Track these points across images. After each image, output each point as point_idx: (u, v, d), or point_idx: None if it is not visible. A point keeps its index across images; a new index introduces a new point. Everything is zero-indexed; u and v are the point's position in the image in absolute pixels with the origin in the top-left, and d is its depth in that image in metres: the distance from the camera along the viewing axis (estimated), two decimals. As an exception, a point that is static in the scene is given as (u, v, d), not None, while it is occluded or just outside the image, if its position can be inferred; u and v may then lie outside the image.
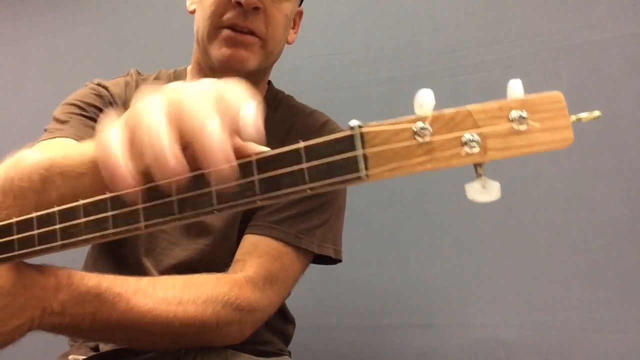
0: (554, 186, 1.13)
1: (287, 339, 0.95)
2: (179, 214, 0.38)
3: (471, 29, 1.24)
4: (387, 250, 1.22)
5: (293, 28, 0.94)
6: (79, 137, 0.77)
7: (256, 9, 0.78)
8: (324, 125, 0.92)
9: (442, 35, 1.26)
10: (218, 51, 0.81)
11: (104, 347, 0.79)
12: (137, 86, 0.90)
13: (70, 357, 0.79)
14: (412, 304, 1.18)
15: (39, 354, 0.84)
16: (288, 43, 0.92)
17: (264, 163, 0.36)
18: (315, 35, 1.35)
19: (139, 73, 0.94)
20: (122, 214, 0.40)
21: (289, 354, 0.94)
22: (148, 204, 0.39)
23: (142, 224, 0.39)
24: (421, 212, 1.21)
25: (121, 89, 0.88)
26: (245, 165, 0.36)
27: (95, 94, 0.86)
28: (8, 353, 0.80)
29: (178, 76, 0.94)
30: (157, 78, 0.94)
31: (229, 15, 0.79)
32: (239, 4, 0.77)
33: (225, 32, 0.80)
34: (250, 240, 0.80)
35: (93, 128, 0.80)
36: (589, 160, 1.12)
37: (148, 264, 0.82)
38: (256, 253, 0.78)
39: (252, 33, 0.80)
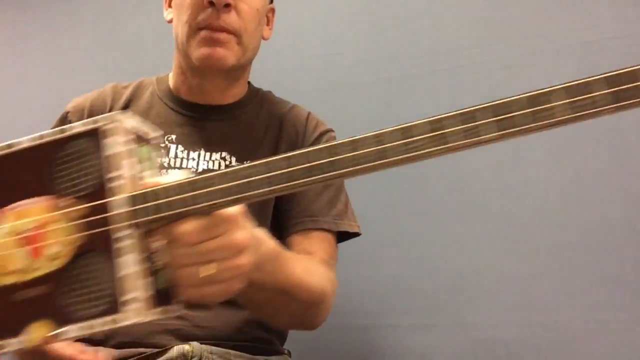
0: (554, 186, 1.13)
1: (283, 338, 0.95)
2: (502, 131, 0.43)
3: (471, 29, 1.24)
4: (387, 250, 1.22)
5: (267, 25, 0.98)
6: None
7: (227, 5, 0.84)
8: (308, 117, 0.97)
9: (442, 35, 1.26)
10: (197, 51, 0.86)
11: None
12: (114, 99, 0.95)
13: None
14: (412, 304, 1.18)
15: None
16: (264, 39, 0.96)
17: (614, 81, 0.43)
18: (315, 35, 1.35)
19: (120, 84, 0.99)
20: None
21: (289, 353, 0.94)
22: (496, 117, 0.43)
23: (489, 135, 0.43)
24: (421, 211, 1.21)
25: (83, 110, 0.93)
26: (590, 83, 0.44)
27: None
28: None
29: (161, 83, 0.98)
30: (139, 86, 0.98)
31: (203, 16, 0.84)
32: (211, 3, 0.83)
33: (203, 33, 0.85)
34: (299, 236, 0.87)
35: None
36: (589, 160, 1.12)
37: None
38: (312, 242, 0.86)
39: (227, 30, 0.85)
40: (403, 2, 1.30)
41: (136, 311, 0.47)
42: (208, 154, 0.89)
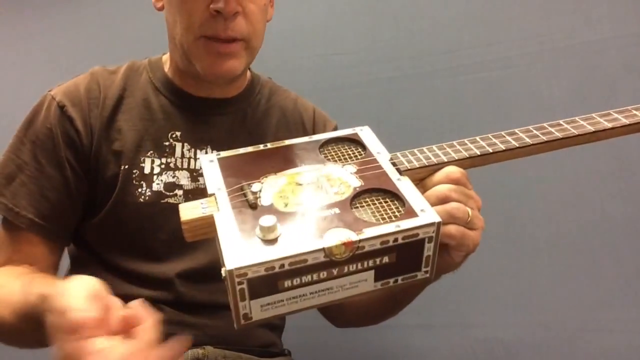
0: (554, 186, 1.13)
1: (281, 335, 0.96)
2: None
3: (471, 29, 1.24)
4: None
5: (270, 1, 0.89)
6: (16, 205, 0.77)
7: (235, 14, 0.76)
8: (315, 114, 0.96)
9: (442, 35, 1.26)
10: (203, 62, 0.79)
11: None
12: (105, 85, 0.84)
13: None
14: (412, 304, 1.18)
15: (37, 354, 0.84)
16: (267, 21, 0.88)
17: None
18: (315, 35, 1.35)
19: (106, 68, 0.88)
20: None
21: (289, 353, 0.94)
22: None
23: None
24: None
25: (81, 102, 0.82)
26: None
27: (49, 130, 0.80)
28: (8, 353, 0.80)
29: (155, 68, 0.88)
30: (130, 71, 0.88)
31: (208, 26, 0.76)
32: (218, 12, 0.74)
33: (209, 45, 0.77)
34: None
35: (41, 175, 0.79)
36: (589, 160, 1.12)
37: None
38: None
39: (235, 39, 0.77)
40: (403, 2, 1.30)
41: (432, 215, 0.54)
42: (215, 152, 0.83)
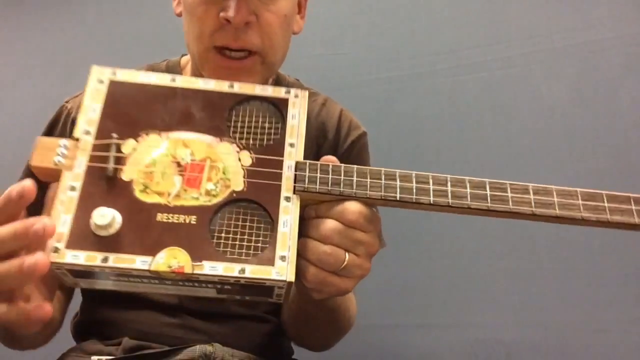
0: (553, 185, 1.13)
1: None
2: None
3: (471, 29, 1.24)
4: (387, 250, 1.22)
5: (299, 13, 0.83)
6: None
7: (248, 23, 0.70)
8: (341, 117, 0.89)
9: (442, 35, 1.26)
10: (214, 77, 0.72)
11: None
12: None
13: (93, 357, 0.72)
14: (412, 304, 1.18)
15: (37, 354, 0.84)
16: (295, 33, 0.81)
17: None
18: (315, 35, 1.35)
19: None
20: None
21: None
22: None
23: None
24: (421, 212, 1.21)
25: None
26: None
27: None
28: (8, 352, 0.80)
29: (172, 71, 0.83)
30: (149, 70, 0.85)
31: (219, 35, 0.70)
32: (228, 21, 0.69)
33: (219, 59, 0.72)
34: None
35: None
36: (589, 160, 1.12)
37: None
38: None
39: (248, 51, 0.72)
40: (403, 2, 1.30)
41: (287, 269, 0.47)
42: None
